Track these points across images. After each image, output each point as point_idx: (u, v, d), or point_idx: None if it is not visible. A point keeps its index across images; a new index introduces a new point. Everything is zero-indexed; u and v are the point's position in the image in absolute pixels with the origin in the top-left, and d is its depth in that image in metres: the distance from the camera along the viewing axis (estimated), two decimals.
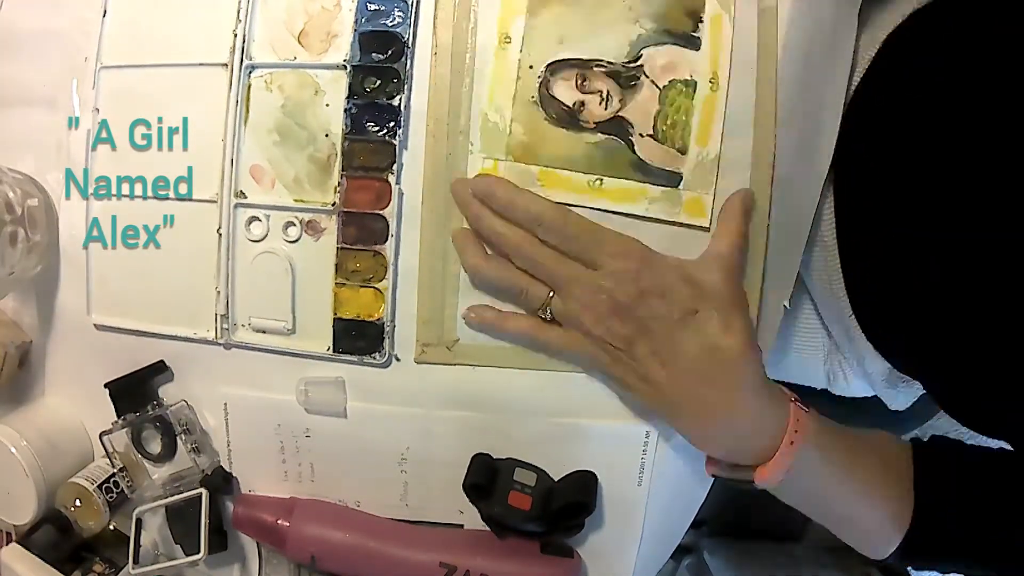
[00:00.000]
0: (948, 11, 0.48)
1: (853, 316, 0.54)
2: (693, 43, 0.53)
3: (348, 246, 0.56)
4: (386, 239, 0.56)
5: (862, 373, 0.62)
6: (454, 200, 0.54)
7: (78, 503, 0.61)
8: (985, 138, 0.44)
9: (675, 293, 0.47)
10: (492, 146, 0.54)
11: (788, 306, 0.55)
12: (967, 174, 0.45)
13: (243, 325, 0.59)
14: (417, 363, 0.57)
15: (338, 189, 0.56)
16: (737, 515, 1.26)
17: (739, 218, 0.50)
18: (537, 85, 0.53)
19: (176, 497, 0.60)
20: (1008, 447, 0.50)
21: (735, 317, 0.47)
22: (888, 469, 0.49)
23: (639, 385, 0.50)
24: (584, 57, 0.53)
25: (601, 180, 0.53)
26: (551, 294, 0.50)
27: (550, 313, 0.51)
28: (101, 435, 0.61)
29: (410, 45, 0.54)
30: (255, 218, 0.57)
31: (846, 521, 0.50)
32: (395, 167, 0.55)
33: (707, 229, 0.53)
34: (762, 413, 0.46)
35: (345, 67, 0.55)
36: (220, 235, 0.58)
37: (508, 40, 0.53)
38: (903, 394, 0.62)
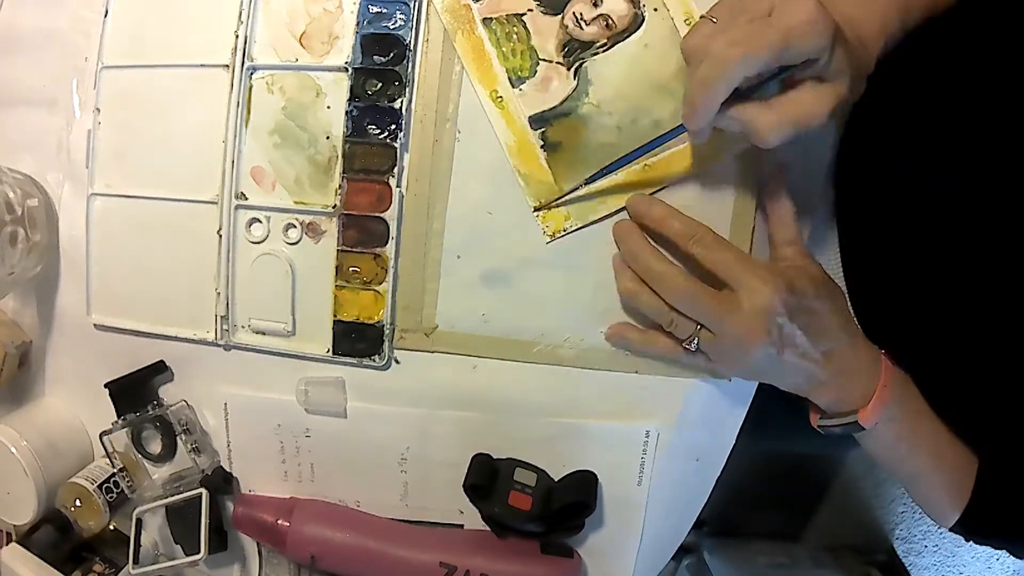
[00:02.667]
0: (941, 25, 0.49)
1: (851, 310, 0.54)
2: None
3: (348, 248, 0.56)
4: (386, 242, 0.56)
5: None
6: (614, 235, 0.54)
7: (78, 503, 0.61)
8: (991, 135, 0.44)
9: (818, 315, 0.49)
10: None
11: None
12: (969, 166, 0.45)
13: (243, 326, 0.59)
14: (396, 349, 0.58)
15: (339, 191, 0.56)
16: (737, 515, 1.26)
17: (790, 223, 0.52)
18: None
19: (176, 497, 0.60)
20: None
21: (839, 294, 0.51)
22: (956, 445, 0.52)
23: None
24: None
25: None
26: (699, 327, 0.50)
27: (696, 344, 0.50)
28: (101, 435, 0.61)
29: (412, 48, 0.54)
30: (255, 220, 0.58)
31: (916, 478, 0.54)
32: (396, 170, 0.55)
33: None
34: (866, 360, 0.51)
35: (347, 69, 0.55)
36: (220, 236, 0.58)
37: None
38: None
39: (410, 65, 0.54)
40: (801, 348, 0.48)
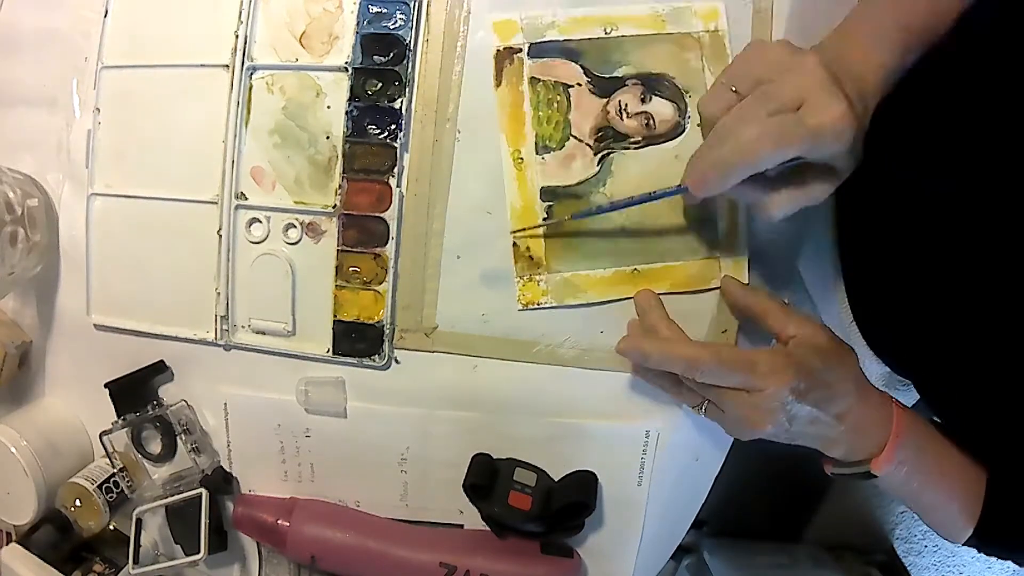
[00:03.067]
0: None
1: (853, 321, 0.54)
2: None
3: (348, 248, 0.56)
4: (386, 242, 0.56)
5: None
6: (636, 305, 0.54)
7: (78, 503, 0.61)
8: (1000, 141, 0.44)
9: (830, 385, 0.49)
10: None
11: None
12: (969, 166, 0.45)
13: (243, 326, 0.59)
14: (396, 349, 0.58)
15: (339, 191, 0.56)
16: (737, 515, 1.26)
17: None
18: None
19: (176, 497, 0.60)
20: None
21: (848, 353, 0.51)
22: (965, 467, 0.53)
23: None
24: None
25: None
26: (707, 401, 0.51)
27: (704, 411, 0.52)
28: (101, 435, 0.61)
29: (412, 48, 0.54)
30: (255, 220, 0.58)
31: (928, 509, 0.54)
32: (396, 170, 0.55)
33: None
34: (877, 412, 0.51)
35: (347, 69, 0.55)
36: (220, 236, 0.58)
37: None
38: (901, 397, 0.63)
39: (410, 65, 0.54)
40: (812, 417, 0.49)
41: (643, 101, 0.54)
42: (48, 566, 0.61)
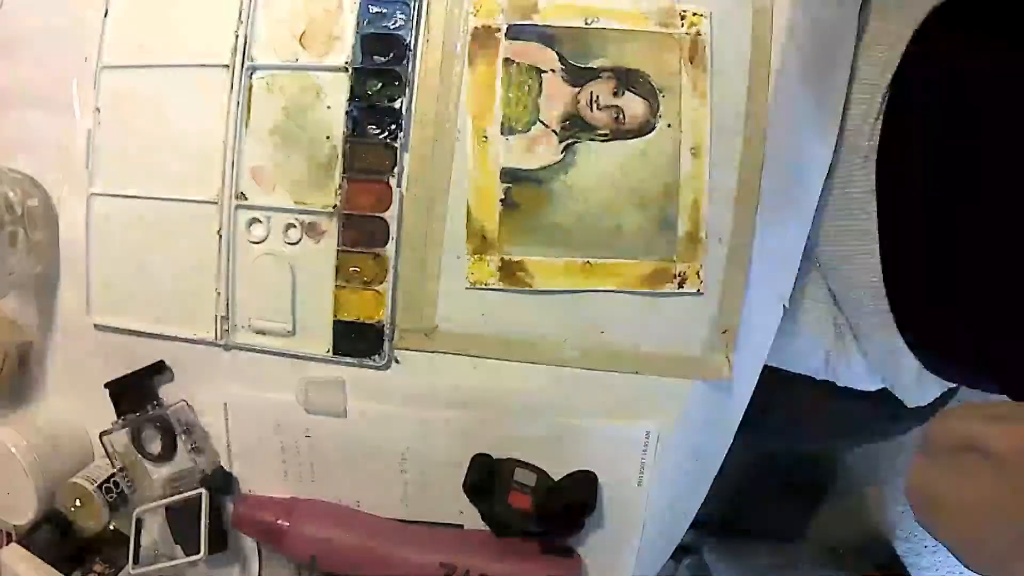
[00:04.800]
0: (969, 5, 0.48)
1: (890, 312, 0.53)
2: None
3: (348, 248, 0.56)
4: (386, 242, 0.56)
5: (883, 367, 0.62)
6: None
7: (78, 503, 0.61)
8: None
9: None
10: None
11: (787, 306, 0.57)
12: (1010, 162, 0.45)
13: (243, 326, 0.59)
14: (396, 349, 0.58)
15: (339, 191, 0.56)
16: (737, 515, 1.26)
17: None
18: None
19: (176, 497, 0.60)
20: None
21: None
22: None
23: None
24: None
25: None
26: None
27: None
28: (101, 435, 0.61)
29: (412, 48, 0.54)
30: (256, 220, 0.58)
31: None
32: (396, 170, 0.55)
33: None
34: None
35: (347, 69, 0.55)
36: (220, 236, 0.58)
37: None
38: (928, 389, 0.62)
39: (410, 65, 0.54)
40: None
41: (615, 95, 0.53)
42: (48, 566, 0.61)
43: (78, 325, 0.62)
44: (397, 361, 0.58)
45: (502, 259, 0.55)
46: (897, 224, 0.55)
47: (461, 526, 0.61)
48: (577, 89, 0.54)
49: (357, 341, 0.57)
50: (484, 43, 0.54)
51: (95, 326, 0.62)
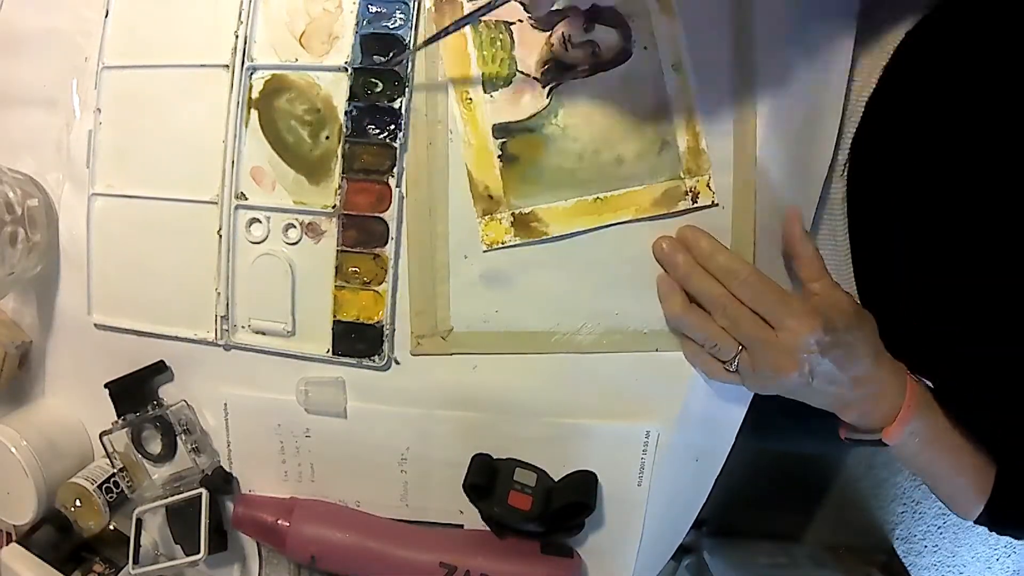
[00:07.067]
0: (956, 15, 0.49)
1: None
2: None
3: (348, 248, 0.56)
4: (386, 242, 0.56)
5: None
6: (655, 255, 0.54)
7: (78, 503, 0.61)
8: (1002, 137, 0.45)
9: (850, 346, 0.51)
10: None
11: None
12: (986, 174, 0.46)
13: (243, 326, 0.59)
14: (413, 355, 0.57)
15: (339, 191, 0.56)
16: (737, 515, 1.26)
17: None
18: None
19: (176, 497, 0.60)
20: None
21: (868, 320, 0.53)
22: (978, 443, 0.54)
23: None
24: None
25: None
26: (740, 348, 0.52)
27: (736, 365, 0.53)
28: (101, 435, 0.61)
29: (411, 48, 0.54)
30: (255, 220, 0.58)
31: (939, 480, 0.57)
32: (395, 170, 0.55)
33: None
34: (891, 381, 0.53)
35: (346, 69, 0.55)
36: (220, 236, 0.58)
37: None
38: None
39: (409, 65, 0.54)
40: (831, 376, 0.50)
41: (586, 30, 0.53)
42: (48, 566, 0.61)
43: (78, 325, 0.62)
44: (397, 361, 0.58)
45: (513, 214, 0.55)
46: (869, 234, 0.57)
47: (461, 526, 0.61)
48: (548, 33, 0.53)
49: (356, 341, 0.57)
50: (447, 10, 0.54)
51: (95, 326, 0.62)
